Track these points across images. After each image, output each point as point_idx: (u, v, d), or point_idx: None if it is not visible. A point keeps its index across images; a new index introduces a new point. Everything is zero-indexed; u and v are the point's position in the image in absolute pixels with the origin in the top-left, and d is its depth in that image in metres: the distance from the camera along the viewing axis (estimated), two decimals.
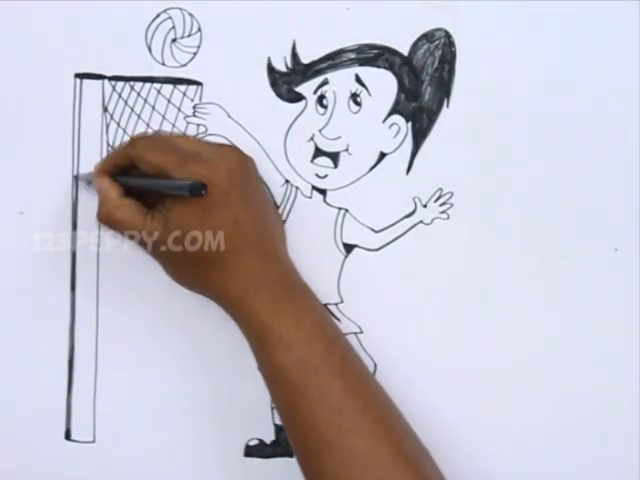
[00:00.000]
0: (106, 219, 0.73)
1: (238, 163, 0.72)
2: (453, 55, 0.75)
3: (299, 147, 0.76)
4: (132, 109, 0.78)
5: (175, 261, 0.72)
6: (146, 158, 0.71)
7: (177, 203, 0.70)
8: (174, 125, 0.77)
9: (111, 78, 0.77)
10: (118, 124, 0.78)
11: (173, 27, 0.76)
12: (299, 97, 0.76)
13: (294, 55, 0.75)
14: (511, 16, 0.75)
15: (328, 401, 0.69)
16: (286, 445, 0.78)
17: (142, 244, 0.73)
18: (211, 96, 0.77)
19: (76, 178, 0.77)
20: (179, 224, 0.70)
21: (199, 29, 0.76)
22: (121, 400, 0.78)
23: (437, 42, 0.75)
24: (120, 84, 0.77)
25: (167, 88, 0.77)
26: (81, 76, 0.77)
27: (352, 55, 0.75)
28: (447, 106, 0.75)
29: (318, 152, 0.76)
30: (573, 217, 0.75)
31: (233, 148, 0.74)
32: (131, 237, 0.73)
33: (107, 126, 0.78)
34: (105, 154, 0.77)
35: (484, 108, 0.75)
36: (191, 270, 0.72)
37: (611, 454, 0.77)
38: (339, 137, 0.76)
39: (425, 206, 0.76)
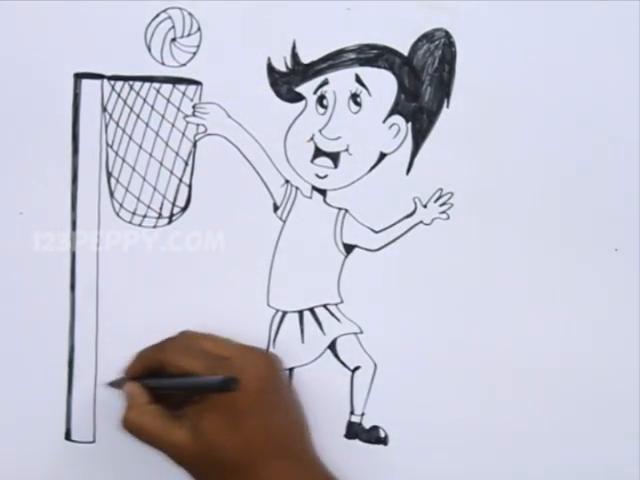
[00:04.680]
0: (131, 425, 0.72)
1: (268, 368, 0.72)
2: (453, 55, 0.75)
3: (299, 147, 0.76)
4: (131, 109, 0.78)
5: (202, 469, 0.71)
6: (175, 363, 0.71)
7: (207, 409, 0.70)
8: (174, 125, 0.77)
9: (110, 78, 0.77)
10: (117, 124, 0.78)
11: (173, 27, 0.76)
12: (299, 97, 0.76)
13: (294, 55, 0.75)
14: (511, 16, 0.74)
15: None
16: None
17: (168, 452, 0.72)
18: (211, 96, 0.77)
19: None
20: (208, 432, 0.69)
21: (199, 29, 0.76)
22: (121, 400, 0.78)
23: (437, 42, 0.75)
24: (119, 84, 0.77)
25: (166, 88, 0.77)
26: (80, 76, 0.77)
27: (352, 55, 0.75)
28: (447, 106, 0.75)
29: (318, 152, 0.76)
30: (573, 217, 0.75)
31: (262, 352, 0.75)
32: (156, 446, 0.72)
33: (106, 126, 0.78)
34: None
35: (484, 108, 0.75)
36: (218, 477, 0.70)
37: (611, 454, 0.77)
38: (339, 137, 0.76)
39: (425, 206, 0.76)
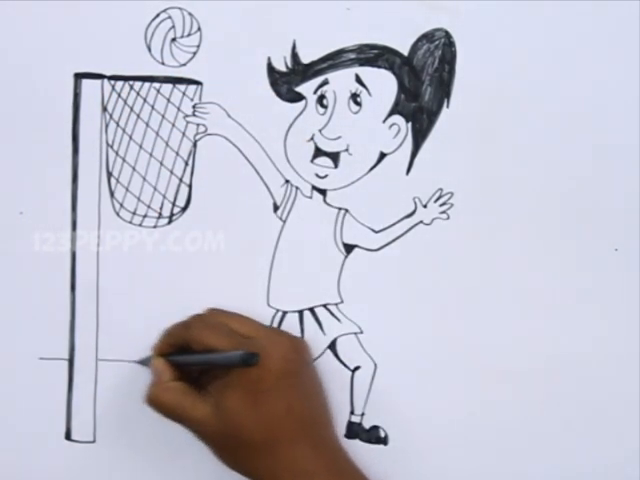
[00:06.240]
0: (153, 401, 0.73)
1: (292, 351, 0.72)
2: (453, 55, 0.75)
3: (299, 147, 0.76)
4: (131, 109, 0.78)
5: (224, 445, 0.71)
6: (200, 340, 0.72)
7: (229, 387, 0.70)
8: (174, 125, 0.77)
9: (110, 77, 0.77)
10: (117, 123, 0.78)
11: (173, 27, 0.76)
12: (299, 97, 0.76)
13: (294, 55, 0.75)
14: (511, 16, 0.75)
15: None
16: None
17: (190, 428, 0.72)
18: (211, 96, 0.77)
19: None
20: (230, 408, 0.70)
21: (199, 29, 0.76)
22: (121, 400, 0.78)
23: (437, 42, 0.75)
24: (119, 83, 0.77)
25: (167, 87, 0.77)
26: (80, 76, 0.77)
27: (352, 55, 0.75)
28: (447, 106, 0.75)
29: (318, 152, 0.76)
30: (573, 217, 0.75)
31: (287, 335, 0.75)
32: (179, 421, 0.72)
33: (106, 126, 0.78)
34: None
35: (484, 108, 0.75)
36: (240, 455, 0.71)
37: (611, 454, 0.77)
38: (339, 137, 0.76)
39: (425, 206, 0.76)
